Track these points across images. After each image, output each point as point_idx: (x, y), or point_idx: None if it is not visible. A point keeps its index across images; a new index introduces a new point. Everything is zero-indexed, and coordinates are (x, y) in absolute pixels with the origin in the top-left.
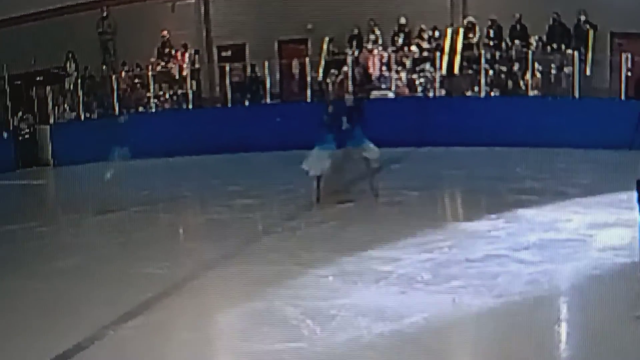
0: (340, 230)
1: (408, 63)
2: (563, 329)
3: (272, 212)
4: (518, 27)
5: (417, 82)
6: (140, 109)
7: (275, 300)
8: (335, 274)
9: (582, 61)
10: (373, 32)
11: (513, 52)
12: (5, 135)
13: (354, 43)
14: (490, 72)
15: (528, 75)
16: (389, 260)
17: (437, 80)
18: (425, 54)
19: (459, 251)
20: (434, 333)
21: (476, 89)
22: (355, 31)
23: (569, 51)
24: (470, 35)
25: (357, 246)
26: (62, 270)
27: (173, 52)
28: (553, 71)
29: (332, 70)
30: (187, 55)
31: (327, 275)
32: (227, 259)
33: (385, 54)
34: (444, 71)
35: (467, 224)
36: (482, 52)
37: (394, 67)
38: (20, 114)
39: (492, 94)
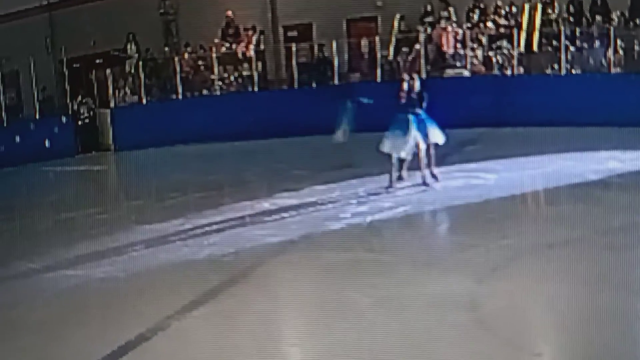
0: (411, 216)
1: (484, 40)
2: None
3: (340, 196)
4: (599, 2)
5: (493, 60)
6: (205, 91)
7: (346, 289)
8: (407, 261)
9: None
10: (446, 9)
11: (594, 28)
12: (64, 119)
13: (427, 20)
14: (571, 48)
15: (610, 52)
16: (465, 247)
17: (515, 57)
18: (502, 30)
19: (538, 238)
20: (509, 323)
21: (556, 66)
22: (429, 8)
23: None
24: (549, 10)
25: (430, 233)
26: (126, 258)
27: (239, 32)
28: (636, 47)
29: (404, 49)
30: (252, 35)
31: (398, 263)
32: (294, 245)
33: (460, 31)
34: (522, 48)
35: (546, 207)
36: (562, 28)
37: (469, 44)
38: (79, 97)
39: (573, 71)
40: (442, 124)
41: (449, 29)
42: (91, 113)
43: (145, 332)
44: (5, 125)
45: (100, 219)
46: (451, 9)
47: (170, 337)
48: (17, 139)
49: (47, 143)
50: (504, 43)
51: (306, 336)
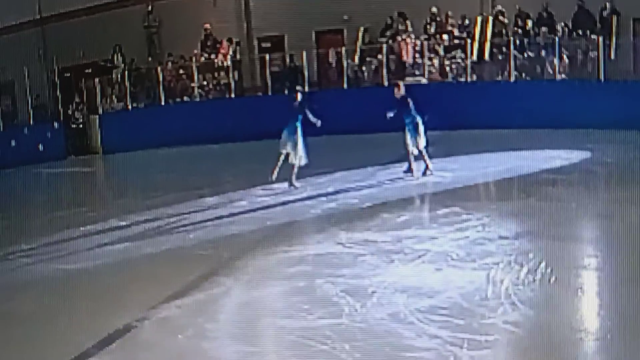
0: (375, 211)
1: (440, 50)
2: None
3: (311, 194)
4: (545, 14)
5: (448, 69)
6: (185, 98)
7: (316, 279)
8: (373, 252)
9: (607, 46)
10: (404, 22)
11: (540, 39)
12: (56, 125)
13: (387, 33)
14: (520, 57)
15: (555, 60)
16: (423, 240)
17: (469, 66)
18: (456, 41)
19: (493, 229)
20: (464, 308)
21: (506, 74)
22: (389, 21)
23: (594, 37)
24: (499, 23)
25: (393, 226)
26: (113, 252)
27: (216, 44)
28: (579, 56)
29: (368, 59)
30: (229, 46)
31: (364, 254)
32: (269, 240)
33: (419, 42)
34: (474, 57)
35: (499, 203)
36: (511, 39)
37: (426, 54)
38: (74, 103)
39: (522, 78)
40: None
41: (408, 40)
42: (84, 118)
43: (131, 322)
44: (1, 130)
45: (88, 217)
46: (408, 22)
47: (154, 326)
48: (12, 143)
49: (40, 147)
50: (458, 53)
51: (283, 323)
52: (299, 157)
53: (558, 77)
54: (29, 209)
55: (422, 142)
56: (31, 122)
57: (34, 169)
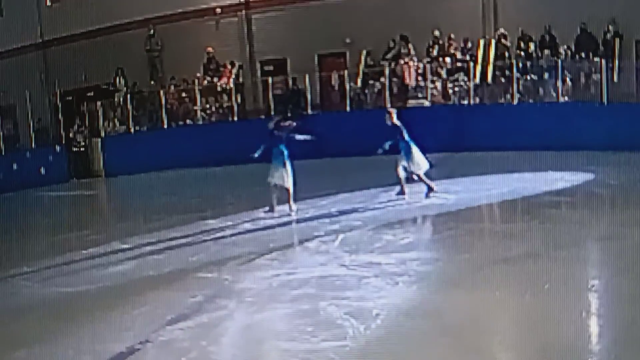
0: (377, 233)
1: (443, 73)
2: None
3: (314, 216)
4: (547, 37)
5: (451, 91)
6: (188, 121)
7: (320, 301)
8: (377, 275)
9: (610, 68)
10: (406, 45)
11: (543, 61)
12: (58, 148)
13: (389, 56)
14: (522, 80)
15: (558, 83)
16: (427, 262)
17: (471, 88)
18: (459, 64)
19: (495, 252)
20: (470, 330)
21: (509, 96)
22: (391, 44)
23: (597, 59)
24: (502, 45)
25: (397, 248)
26: (115, 275)
27: (219, 67)
28: (582, 79)
29: (370, 82)
30: (232, 70)
31: (368, 277)
32: (273, 261)
33: (421, 65)
34: (477, 80)
35: (501, 225)
36: (514, 61)
37: (429, 77)
38: (75, 127)
39: (525, 100)
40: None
41: (411, 63)
42: (86, 141)
43: (134, 345)
44: (2, 154)
45: (91, 240)
46: (411, 45)
47: (157, 349)
48: (14, 166)
49: (42, 170)
50: (461, 75)
51: (286, 345)
52: (290, 181)
53: (561, 99)
54: (31, 232)
55: (420, 166)
56: (33, 145)
57: (36, 192)
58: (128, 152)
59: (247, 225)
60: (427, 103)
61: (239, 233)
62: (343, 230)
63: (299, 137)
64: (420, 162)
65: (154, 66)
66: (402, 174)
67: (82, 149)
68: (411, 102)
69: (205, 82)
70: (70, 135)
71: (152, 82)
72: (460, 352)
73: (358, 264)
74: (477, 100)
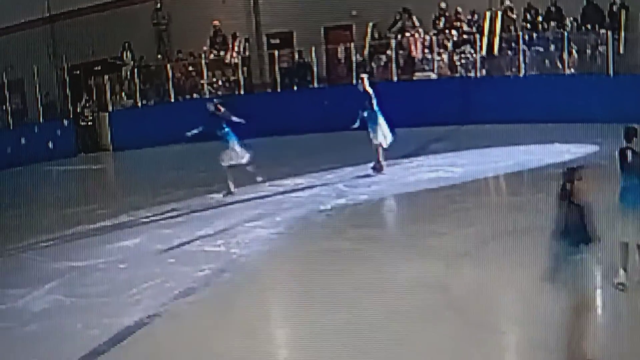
0: (385, 207)
1: (449, 45)
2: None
3: (322, 191)
4: (553, 9)
5: (458, 63)
6: (195, 95)
7: (326, 275)
8: (382, 249)
9: (616, 40)
10: (409, 18)
11: (549, 33)
12: (66, 122)
13: (395, 29)
14: (528, 52)
15: (564, 55)
16: (435, 235)
17: (478, 61)
18: (465, 36)
19: (502, 225)
20: (476, 304)
21: (515, 69)
22: (397, 17)
23: (603, 31)
24: (508, 18)
25: (402, 222)
26: (123, 249)
27: (225, 40)
28: (588, 50)
29: (377, 54)
30: (238, 43)
31: (374, 251)
32: (280, 235)
33: (427, 37)
34: (484, 52)
35: (508, 197)
36: (520, 33)
37: (435, 49)
38: (83, 101)
39: (531, 73)
40: (413, 123)
41: (417, 35)
42: (94, 115)
43: (143, 318)
44: (11, 128)
45: (99, 214)
46: (414, 18)
47: (166, 322)
48: (23, 140)
49: (50, 144)
50: (468, 48)
51: (293, 318)
52: (241, 157)
53: (567, 71)
54: (40, 206)
55: (384, 138)
56: (41, 120)
57: (44, 166)
58: (135, 126)
59: (253, 198)
60: (433, 75)
61: (245, 207)
62: (349, 205)
63: (234, 119)
64: (384, 134)
65: (161, 40)
66: (380, 143)
67: (89, 123)
68: (418, 75)
69: (212, 55)
70: (78, 109)
71: (159, 56)
72: (465, 326)
73: (363, 238)
74: (484, 72)
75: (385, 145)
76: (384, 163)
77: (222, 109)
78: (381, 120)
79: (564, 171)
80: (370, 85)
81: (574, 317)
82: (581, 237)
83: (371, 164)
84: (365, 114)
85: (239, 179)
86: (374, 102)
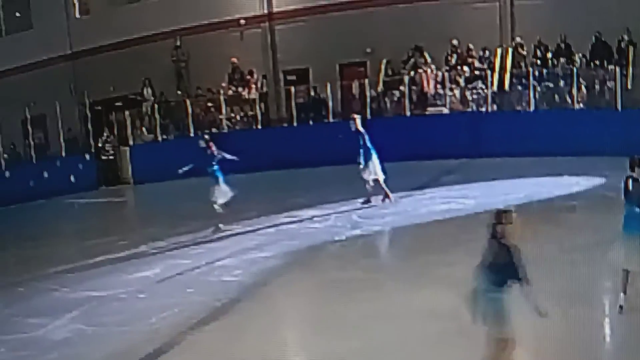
0: (398, 238)
1: (461, 81)
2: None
3: (337, 222)
4: (563, 45)
5: (469, 98)
6: (214, 129)
7: (341, 304)
8: (394, 277)
9: (624, 76)
10: (422, 55)
11: (559, 69)
12: (87, 156)
13: (408, 66)
14: (538, 88)
15: (574, 90)
16: (446, 264)
17: (489, 96)
18: (477, 72)
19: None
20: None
21: (525, 103)
22: (410, 53)
23: (611, 67)
24: (519, 54)
25: (414, 252)
26: (142, 279)
27: (243, 77)
28: (596, 86)
29: (390, 90)
30: (256, 80)
31: (386, 280)
32: (295, 265)
33: (440, 73)
34: (495, 88)
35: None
36: (530, 69)
37: (448, 85)
38: (104, 136)
39: (541, 107)
40: (425, 156)
41: (429, 71)
42: (115, 150)
43: (162, 347)
44: (34, 162)
45: (119, 245)
46: (426, 54)
47: (184, 350)
48: (45, 174)
49: (72, 178)
50: (479, 83)
51: (306, 345)
52: (225, 194)
53: (576, 106)
54: (62, 238)
55: (376, 173)
56: (63, 154)
57: (66, 199)
58: (155, 160)
59: (270, 230)
60: (445, 110)
61: (262, 238)
62: (363, 235)
63: (227, 156)
64: (376, 169)
65: (180, 76)
66: (370, 178)
67: (110, 157)
68: (430, 110)
69: (230, 91)
70: (99, 144)
71: (179, 92)
72: (476, 352)
73: (376, 267)
74: (495, 107)
75: (377, 179)
76: (372, 198)
77: (213, 147)
78: (374, 157)
79: (495, 212)
80: (366, 123)
81: (490, 349)
82: (502, 277)
83: (379, 197)
84: (361, 152)
85: (257, 210)
86: (367, 140)
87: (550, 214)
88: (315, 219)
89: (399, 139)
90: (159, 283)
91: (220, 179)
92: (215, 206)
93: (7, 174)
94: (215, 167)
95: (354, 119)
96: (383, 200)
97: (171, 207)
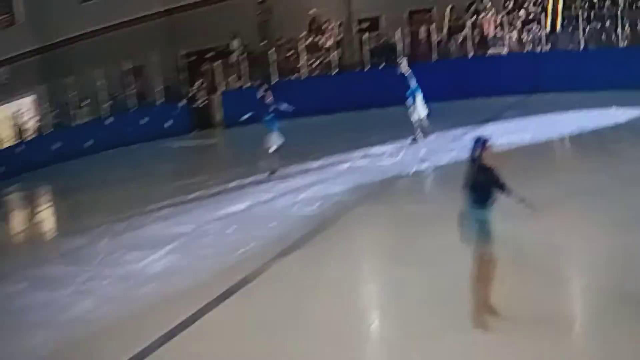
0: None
1: (518, 24)
2: None
3: (406, 157)
4: None
5: (525, 40)
6: (294, 76)
7: (415, 236)
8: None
9: None
10: (481, 2)
11: (605, 11)
12: (182, 103)
13: (471, 10)
14: (587, 28)
15: (618, 30)
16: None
17: (543, 37)
18: (532, 15)
19: (565, 184)
20: (546, 255)
21: (575, 43)
22: (472, 0)
23: None
24: None
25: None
26: (232, 214)
27: (321, 26)
28: (639, 26)
29: (454, 34)
30: (332, 29)
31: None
32: (370, 199)
33: (499, 17)
34: (548, 29)
35: (572, 159)
36: (579, 12)
37: (506, 28)
38: (197, 84)
39: (589, 46)
40: (486, 93)
41: (489, 16)
42: (206, 96)
43: (249, 275)
44: (134, 109)
45: (210, 184)
46: (485, 0)
47: (270, 278)
48: (143, 120)
49: (168, 123)
50: (534, 25)
51: (383, 273)
52: (276, 141)
53: (621, 44)
54: (158, 178)
55: (419, 112)
56: (160, 101)
57: (162, 143)
58: (243, 104)
59: (345, 166)
60: (504, 51)
61: (341, 173)
62: (431, 169)
63: (282, 106)
64: (420, 109)
65: (264, 29)
66: (416, 118)
67: (203, 104)
68: (490, 51)
69: (309, 40)
70: (193, 91)
71: (263, 43)
72: (540, 273)
73: (449, 199)
74: (549, 47)
75: (420, 117)
76: (420, 135)
77: (269, 96)
78: (419, 97)
79: (475, 139)
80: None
81: (476, 267)
82: (485, 197)
83: (450, 130)
84: (407, 93)
85: (332, 149)
86: (413, 82)
87: (600, 144)
88: (386, 155)
89: (463, 78)
90: (246, 217)
91: (275, 126)
92: (271, 150)
93: (109, 120)
94: (271, 116)
95: (401, 63)
96: (414, 140)
97: (258, 147)
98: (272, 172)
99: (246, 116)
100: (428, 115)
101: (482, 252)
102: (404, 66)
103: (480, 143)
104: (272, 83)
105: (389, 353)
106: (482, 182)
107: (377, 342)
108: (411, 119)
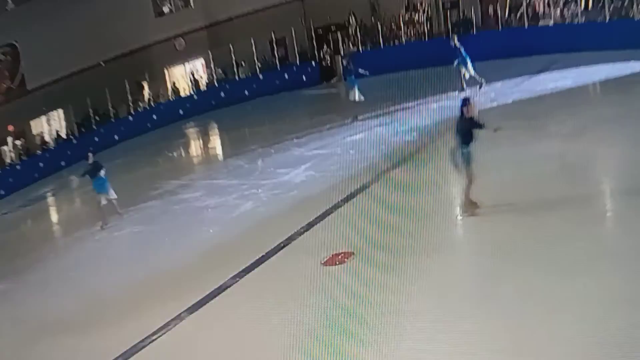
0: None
1: (561, 3)
2: None
3: (478, 98)
4: None
5: (566, 14)
6: (397, 42)
7: (479, 154)
8: (523, 133)
9: None
10: None
11: None
12: (313, 63)
13: None
14: (612, 4)
15: (634, 5)
16: (557, 121)
17: (579, 12)
18: None
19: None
20: (586, 166)
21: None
22: None
23: None
24: None
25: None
26: (352, 141)
27: (415, 6)
28: None
29: (514, 11)
30: (423, 7)
31: (517, 135)
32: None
33: None
34: (582, 6)
35: (605, 96)
36: None
37: (552, 5)
38: (324, 49)
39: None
40: (538, 52)
41: None
42: (330, 58)
43: (366, 183)
44: (279, 69)
45: (336, 118)
46: None
47: (383, 183)
48: (286, 76)
49: (303, 78)
50: (572, 5)
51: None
52: (359, 96)
53: (637, 17)
54: (297, 116)
55: (469, 72)
56: (297, 62)
57: (300, 92)
58: (357, 63)
59: (433, 105)
60: (551, 23)
61: (429, 110)
62: (497, 107)
63: (361, 71)
64: (469, 70)
65: (374, 8)
66: (466, 75)
67: (328, 64)
68: (541, 23)
69: (407, 17)
70: (321, 55)
71: (373, 19)
72: (576, 184)
73: (509, 127)
74: (583, 19)
75: (470, 75)
76: (466, 86)
77: (352, 63)
78: (469, 63)
79: (462, 100)
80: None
81: (467, 182)
82: (468, 138)
83: (511, 79)
84: (458, 60)
85: (424, 93)
86: (462, 51)
87: (621, 87)
88: (441, 108)
89: (521, 42)
90: (362, 144)
91: (356, 86)
92: (353, 99)
93: (261, 76)
94: (353, 77)
95: (453, 37)
96: (462, 89)
97: (368, 94)
98: (354, 119)
99: (362, 71)
100: (470, 77)
101: (467, 173)
102: (456, 40)
103: (465, 102)
104: (354, 54)
105: None
106: (466, 127)
107: None
108: (464, 76)
